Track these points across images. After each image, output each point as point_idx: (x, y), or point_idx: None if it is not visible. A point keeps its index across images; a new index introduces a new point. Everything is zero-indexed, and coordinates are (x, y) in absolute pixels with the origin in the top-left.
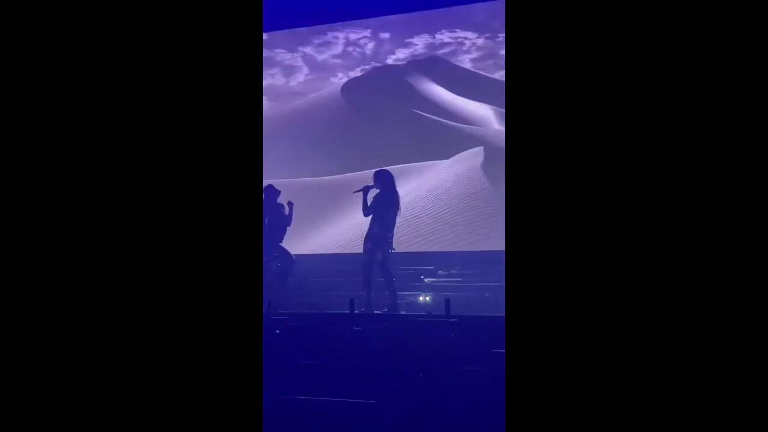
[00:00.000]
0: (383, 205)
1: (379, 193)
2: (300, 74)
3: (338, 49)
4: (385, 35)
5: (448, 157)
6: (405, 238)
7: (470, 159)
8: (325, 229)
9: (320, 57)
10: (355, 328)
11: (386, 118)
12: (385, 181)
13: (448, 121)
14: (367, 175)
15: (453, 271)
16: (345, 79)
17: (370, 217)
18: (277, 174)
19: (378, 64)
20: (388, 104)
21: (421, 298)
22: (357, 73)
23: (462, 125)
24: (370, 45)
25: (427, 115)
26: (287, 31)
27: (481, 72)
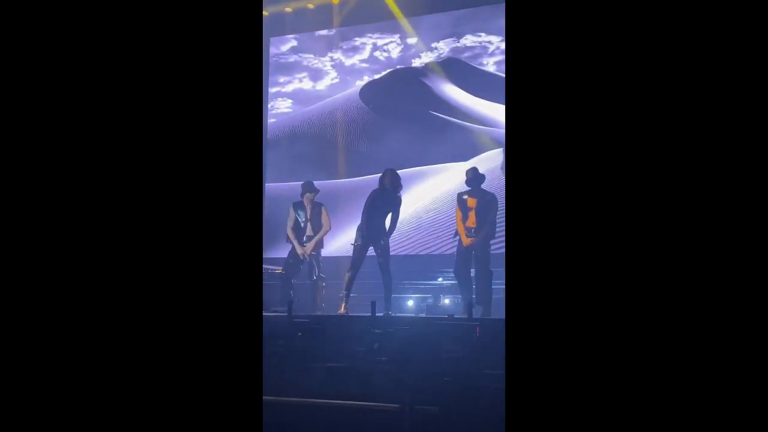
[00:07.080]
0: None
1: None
2: (327, 78)
3: (365, 53)
4: (412, 39)
5: (467, 159)
6: (424, 240)
7: (489, 161)
8: (348, 231)
9: (348, 62)
10: (376, 330)
11: (404, 120)
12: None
13: (466, 123)
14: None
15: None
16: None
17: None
18: (300, 176)
19: (399, 67)
20: (406, 106)
21: (443, 301)
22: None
23: (480, 127)
24: (397, 49)
25: (445, 116)
26: (316, 36)
27: (499, 73)
